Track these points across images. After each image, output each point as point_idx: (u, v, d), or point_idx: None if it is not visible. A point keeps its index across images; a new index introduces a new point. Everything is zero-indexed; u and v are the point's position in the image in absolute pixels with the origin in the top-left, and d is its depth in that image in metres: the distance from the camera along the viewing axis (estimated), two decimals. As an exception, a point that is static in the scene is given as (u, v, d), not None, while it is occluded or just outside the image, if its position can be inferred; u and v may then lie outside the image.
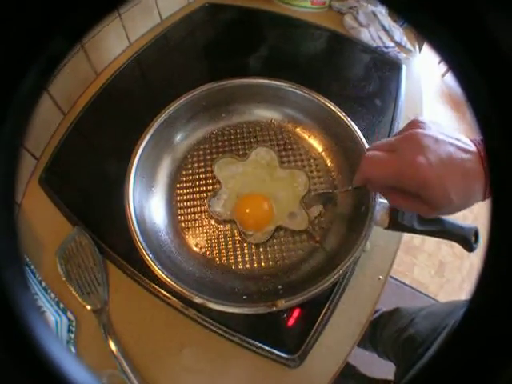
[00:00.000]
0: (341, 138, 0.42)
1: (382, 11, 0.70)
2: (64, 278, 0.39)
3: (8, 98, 0.09)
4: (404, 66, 0.63)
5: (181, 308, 0.37)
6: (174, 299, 0.37)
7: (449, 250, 1.41)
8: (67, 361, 0.10)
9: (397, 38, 0.68)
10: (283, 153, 0.43)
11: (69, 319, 0.37)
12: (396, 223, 0.37)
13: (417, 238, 1.41)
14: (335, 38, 0.63)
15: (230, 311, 0.31)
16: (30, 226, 0.44)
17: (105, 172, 0.47)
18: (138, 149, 0.37)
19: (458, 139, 0.26)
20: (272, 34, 0.65)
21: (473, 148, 0.25)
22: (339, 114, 0.41)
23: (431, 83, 2.16)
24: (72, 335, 0.37)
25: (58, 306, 0.38)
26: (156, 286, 0.37)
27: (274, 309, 0.31)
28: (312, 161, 0.43)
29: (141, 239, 0.34)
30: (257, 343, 0.35)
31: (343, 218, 0.39)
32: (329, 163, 0.43)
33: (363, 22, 0.66)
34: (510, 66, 0.08)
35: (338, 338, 0.38)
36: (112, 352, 0.35)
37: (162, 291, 0.37)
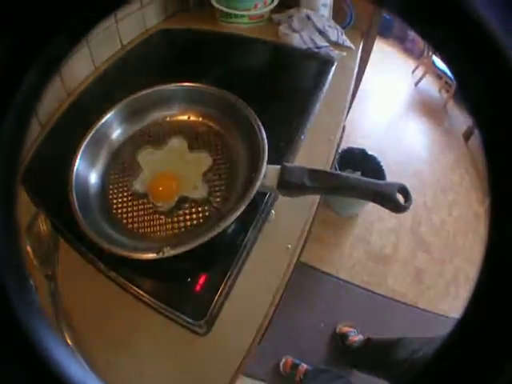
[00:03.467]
0: (242, 125, 0.48)
1: (318, 14, 0.77)
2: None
3: (8, 97, 0.09)
4: (335, 63, 0.68)
5: (103, 269, 0.41)
6: (100, 263, 0.41)
7: (425, 256, 1.31)
8: (70, 365, 0.10)
9: (333, 38, 0.74)
10: (194, 141, 0.50)
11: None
12: (285, 182, 0.38)
13: (387, 248, 1.33)
14: (268, 47, 0.72)
15: (121, 254, 0.36)
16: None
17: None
18: (82, 143, 0.46)
19: None
20: (215, 50, 0.74)
21: None
22: (239, 104, 0.48)
23: (403, 92, 2.19)
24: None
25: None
26: (84, 249, 0.42)
27: (161, 254, 0.35)
28: (219, 147, 0.49)
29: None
30: (166, 306, 0.38)
31: (240, 186, 0.43)
32: (231, 144, 0.49)
33: (297, 27, 0.74)
34: None
35: (248, 306, 0.40)
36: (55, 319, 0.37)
37: (91, 255, 0.42)
